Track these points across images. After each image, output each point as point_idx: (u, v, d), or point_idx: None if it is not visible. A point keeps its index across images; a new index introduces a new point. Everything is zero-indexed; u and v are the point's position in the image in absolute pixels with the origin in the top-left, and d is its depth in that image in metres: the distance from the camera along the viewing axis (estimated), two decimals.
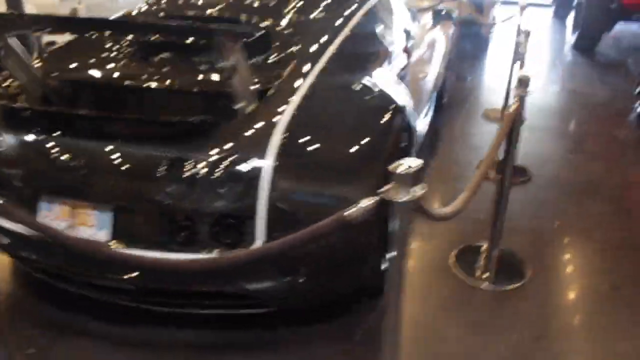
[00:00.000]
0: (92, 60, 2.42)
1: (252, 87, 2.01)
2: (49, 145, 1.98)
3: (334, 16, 2.73)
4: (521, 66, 3.87)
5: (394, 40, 3.01)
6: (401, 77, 2.85)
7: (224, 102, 1.98)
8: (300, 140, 1.92)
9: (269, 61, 2.31)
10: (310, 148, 1.92)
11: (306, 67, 2.26)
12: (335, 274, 2.07)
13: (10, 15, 2.08)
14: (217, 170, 1.84)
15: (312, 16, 2.69)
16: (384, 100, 2.32)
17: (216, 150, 1.86)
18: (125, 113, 2.07)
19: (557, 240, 2.95)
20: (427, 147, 3.90)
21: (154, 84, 2.18)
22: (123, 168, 1.90)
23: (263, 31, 1.85)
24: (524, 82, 2.35)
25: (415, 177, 1.41)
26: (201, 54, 2.21)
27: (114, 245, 1.90)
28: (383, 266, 2.38)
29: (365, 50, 2.67)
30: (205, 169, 1.84)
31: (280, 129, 1.91)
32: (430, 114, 3.99)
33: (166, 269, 1.81)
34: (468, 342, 2.20)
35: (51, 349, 2.16)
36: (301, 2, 2.81)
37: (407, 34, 3.44)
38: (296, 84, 2.13)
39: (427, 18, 4.10)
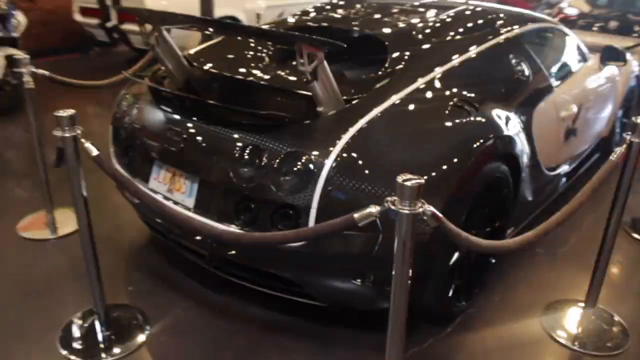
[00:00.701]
0: (223, 59, 2.81)
1: (335, 94, 2.15)
2: (170, 121, 2.36)
3: (460, 39, 2.74)
4: None
5: (527, 73, 2.88)
6: (524, 112, 2.71)
7: (307, 104, 2.16)
8: (360, 151, 2.00)
9: (379, 73, 2.43)
10: (366, 158, 1.99)
11: (401, 84, 2.33)
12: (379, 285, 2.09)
13: (164, 13, 2.50)
14: (285, 162, 2.02)
15: (435, 38, 2.73)
16: (473, 129, 2.26)
17: (288, 144, 2.05)
18: (234, 103, 2.36)
19: None
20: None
21: (261, 82, 2.46)
22: (213, 147, 2.19)
23: (344, 44, 1.96)
24: None
25: (418, 192, 1.42)
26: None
27: (192, 213, 2.20)
28: (449, 292, 2.34)
29: (480, 77, 2.62)
30: (276, 159, 2.03)
31: (347, 137, 2.02)
32: (576, 165, 3.67)
33: (225, 240, 2.05)
34: None
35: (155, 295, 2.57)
36: (439, 23, 2.87)
37: (558, 70, 3.27)
38: (382, 99, 2.22)
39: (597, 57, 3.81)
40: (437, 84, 2.41)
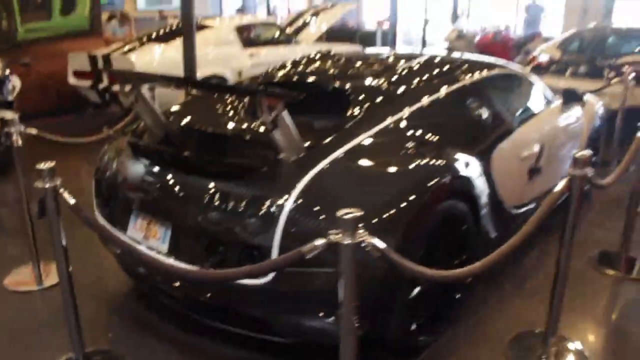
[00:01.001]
0: (202, 113, 3.02)
1: (296, 141, 2.33)
2: (146, 173, 2.54)
3: (420, 88, 2.95)
4: None
5: (485, 116, 3.07)
6: (482, 152, 2.88)
7: (269, 151, 2.33)
8: (317, 193, 2.16)
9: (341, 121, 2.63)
10: (323, 199, 2.15)
11: (359, 130, 2.51)
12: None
13: (141, 73, 2.72)
14: (248, 206, 2.18)
15: (394, 87, 2.94)
16: (428, 169, 2.43)
17: (251, 189, 2.21)
18: (206, 154, 2.54)
19: None
20: None
21: (230, 133, 2.65)
22: (184, 195, 2.36)
23: (304, 95, 2.15)
24: None
25: (356, 224, 1.57)
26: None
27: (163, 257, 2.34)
28: (412, 327, 2.44)
29: (437, 121, 2.81)
30: (241, 204, 2.19)
31: (305, 180, 2.18)
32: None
33: (189, 279, 2.18)
34: None
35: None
36: (400, 74, 3.10)
37: (519, 112, 3.48)
38: (340, 144, 2.39)
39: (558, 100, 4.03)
40: (394, 129, 2.59)
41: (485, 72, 3.34)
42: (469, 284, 2.90)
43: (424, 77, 3.11)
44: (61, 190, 2.19)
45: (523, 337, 2.67)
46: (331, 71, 3.31)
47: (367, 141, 2.47)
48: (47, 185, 2.16)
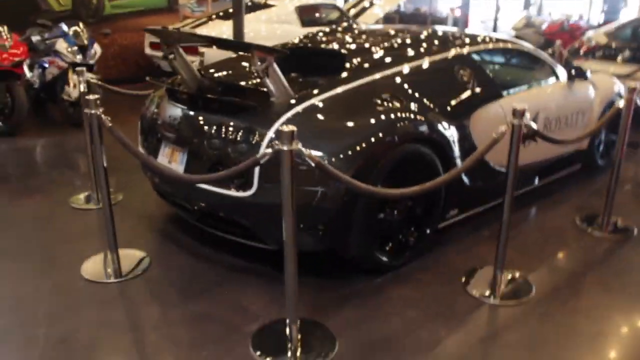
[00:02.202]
0: (221, 70, 3.64)
1: (285, 88, 2.86)
2: (173, 112, 3.17)
3: (408, 54, 3.39)
4: None
5: (469, 80, 3.45)
6: (460, 111, 3.28)
7: (264, 95, 2.88)
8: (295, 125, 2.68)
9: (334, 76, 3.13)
10: (299, 129, 2.66)
11: (337, 85, 3.00)
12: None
13: (177, 33, 3.33)
14: (241, 134, 2.75)
15: (388, 52, 3.39)
16: (395, 114, 2.88)
17: (245, 122, 2.77)
18: (216, 98, 3.13)
19: None
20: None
21: (238, 82, 3.24)
22: (197, 128, 2.96)
23: (287, 52, 2.67)
24: None
25: (292, 135, 2.09)
26: None
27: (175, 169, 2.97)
28: (374, 248, 2.91)
29: (419, 81, 3.23)
30: (236, 133, 2.76)
31: (286, 116, 2.72)
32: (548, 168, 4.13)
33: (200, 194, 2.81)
34: None
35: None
36: (397, 42, 3.56)
37: (512, 81, 3.81)
38: (319, 93, 2.90)
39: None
40: (370, 86, 3.05)
41: (476, 46, 3.70)
42: (439, 223, 3.33)
43: (413, 47, 3.53)
44: (103, 116, 2.86)
45: (477, 270, 3.07)
46: (339, 41, 3.80)
47: (343, 93, 2.95)
48: (92, 112, 2.83)
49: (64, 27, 5.91)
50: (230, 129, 2.81)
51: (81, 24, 6.10)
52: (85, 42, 5.95)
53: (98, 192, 3.98)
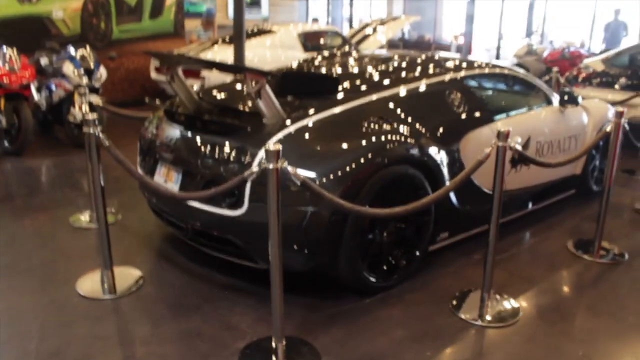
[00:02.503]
0: (219, 92, 3.74)
1: (277, 110, 2.95)
2: (169, 133, 3.26)
3: (400, 78, 3.49)
4: None
5: (460, 104, 3.54)
6: (451, 134, 3.35)
7: (257, 117, 2.97)
8: (285, 146, 2.76)
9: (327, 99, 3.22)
10: (288, 150, 2.74)
11: (329, 107, 3.09)
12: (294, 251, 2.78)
13: (177, 56, 3.45)
14: (233, 154, 2.83)
15: (381, 76, 3.49)
16: (384, 137, 2.96)
17: (237, 142, 2.86)
18: (211, 120, 3.22)
19: None
20: None
21: (233, 105, 3.35)
22: (192, 148, 3.05)
23: (282, 74, 2.77)
24: None
25: (277, 154, 2.17)
26: None
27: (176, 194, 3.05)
28: (363, 269, 2.96)
29: (410, 105, 3.32)
30: (229, 153, 2.85)
31: (277, 137, 2.80)
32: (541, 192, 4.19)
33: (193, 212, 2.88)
34: None
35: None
36: (393, 66, 3.67)
37: (504, 106, 3.90)
38: (311, 115, 2.99)
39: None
40: (361, 109, 3.14)
41: (468, 71, 3.80)
42: (430, 246, 3.37)
43: (405, 71, 3.63)
44: (100, 135, 2.95)
45: (466, 293, 3.10)
46: (334, 65, 3.92)
47: (334, 115, 3.03)
48: (90, 131, 2.93)
49: (72, 50, 6.08)
50: (224, 149, 2.90)
51: (88, 48, 6.27)
52: (92, 65, 6.11)
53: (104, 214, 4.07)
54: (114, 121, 6.17)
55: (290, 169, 2.25)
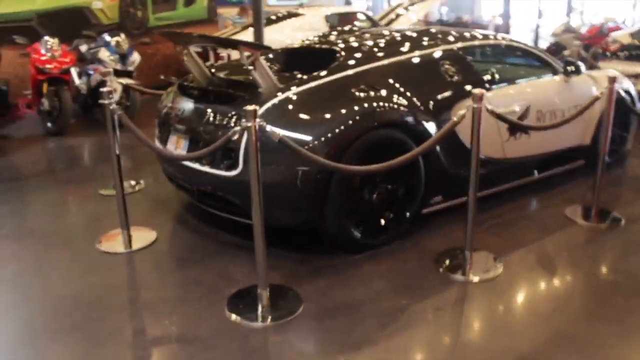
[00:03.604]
0: (226, 69, 4.00)
1: (271, 80, 3.18)
2: (179, 105, 3.56)
3: (391, 50, 3.65)
4: None
5: (454, 73, 3.66)
6: (442, 102, 3.50)
7: (254, 87, 3.22)
8: (277, 112, 3.00)
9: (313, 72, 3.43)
10: (279, 116, 2.98)
11: (318, 78, 3.28)
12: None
13: (186, 34, 3.73)
14: (231, 120, 3.09)
15: (375, 49, 3.66)
16: (369, 102, 3.15)
17: (235, 109, 3.12)
18: (215, 92, 3.49)
19: None
20: None
21: (237, 78, 3.60)
22: (196, 117, 3.33)
23: (272, 49, 3.00)
24: None
25: (254, 113, 2.41)
26: None
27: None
28: (351, 226, 3.17)
29: (401, 74, 3.47)
30: (228, 119, 3.11)
31: (270, 104, 3.04)
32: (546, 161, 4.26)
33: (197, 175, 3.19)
34: None
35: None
36: (386, 40, 3.82)
37: (500, 75, 3.99)
38: (301, 84, 3.20)
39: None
40: (348, 79, 3.31)
41: (464, 42, 3.91)
42: (423, 209, 3.54)
43: (401, 44, 3.77)
44: (114, 106, 3.28)
45: (452, 251, 3.26)
46: (334, 40, 4.10)
47: (324, 84, 3.24)
48: (105, 102, 3.26)
49: (107, 37, 6.51)
50: (223, 116, 3.17)
51: (122, 35, 6.69)
52: (125, 50, 6.52)
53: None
54: (149, 103, 6.58)
55: (268, 127, 2.48)
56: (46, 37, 6.28)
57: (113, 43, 6.50)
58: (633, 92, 4.87)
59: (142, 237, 3.53)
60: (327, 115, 3.04)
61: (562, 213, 3.86)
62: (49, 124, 6.28)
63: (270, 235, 2.69)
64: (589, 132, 4.57)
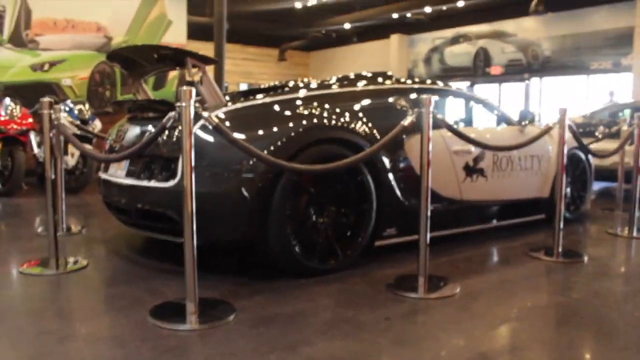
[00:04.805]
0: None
1: (218, 96, 3.12)
2: (124, 130, 3.45)
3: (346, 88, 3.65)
4: None
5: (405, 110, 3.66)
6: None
7: (200, 101, 3.13)
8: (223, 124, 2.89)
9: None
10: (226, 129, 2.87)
11: (263, 98, 3.23)
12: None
13: (136, 46, 3.59)
14: (172, 133, 2.97)
15: (322, 85, 3.67)
16: (311, 119, 3.08)
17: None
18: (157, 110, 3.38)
19: None
20: None
21: None
22: (137, 137, 3.21)
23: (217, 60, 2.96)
24: None
25: (190, 95, 2.30)
26: None
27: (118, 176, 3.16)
28: (295, 245, 2.94)
29: (349, 104, 3.43)
30: (167, 134, 2.99)
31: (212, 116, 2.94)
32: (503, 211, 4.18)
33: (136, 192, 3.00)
34: None
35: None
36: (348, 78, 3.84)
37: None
38: (245, 101, 3.14)
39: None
40: (294, 101, 3.22)
41: (418, 85, 3.96)
42: (376, 240, 3.35)
43: (356, 83, 3.77)
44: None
45: (404, 277, 3.03)
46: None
47: (268, 102, 3.16)
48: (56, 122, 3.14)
49: (70, 104, 6.51)
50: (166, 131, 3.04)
51: (87, 104, 6.72)
52: (87, 117, 6.50)
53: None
54: None
55: (205, 113, 2.36)
56: (7, 99, 6.25)
57: (76, 110, 6.49)
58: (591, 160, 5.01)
59: (71, 262, 3.24)
60: (274, 128, 2.95)
61: (525, 251, 3.70)
62: None
63: (210, 261, 2.46)
64: (547, 185, 4.55)
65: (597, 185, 7.56)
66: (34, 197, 6.08)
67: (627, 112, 7.57)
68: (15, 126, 6.05)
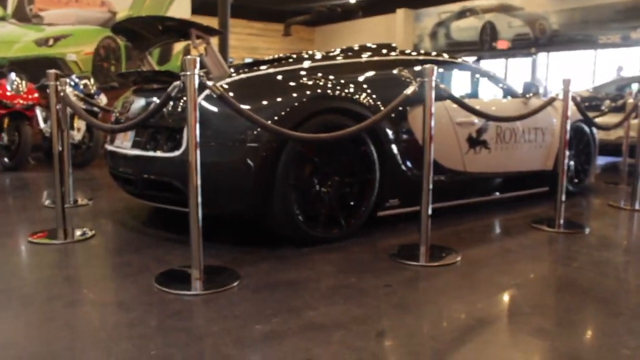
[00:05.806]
0: None
1: (222, 66, 3.13)
2: (129, 102, 3.47)
3: (347, 60, 3.65)
4: None
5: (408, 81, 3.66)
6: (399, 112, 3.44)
7: (206, 72, 3.14)
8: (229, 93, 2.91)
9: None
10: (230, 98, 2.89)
11: (270, 68, 3.25)
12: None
13: (140, 17, 3.65)
14: (177, 103, 2.98)
15: (327, 56, 3.66)
16: (316, 88, 3.09)
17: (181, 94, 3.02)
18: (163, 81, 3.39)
19: None
20: None
21: None
22: (142, 108, 3.23)
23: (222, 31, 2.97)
24: None
25: (194, 64, 2.31)
26: None
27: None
28: (298, 214, 2.98)
29: (353, 73, 3.44)
30: (173, 104, 3.00)
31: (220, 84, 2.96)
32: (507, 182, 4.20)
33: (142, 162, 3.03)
34: None
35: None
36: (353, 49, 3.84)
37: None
38: (250, 71, 3.15)
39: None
40: (309, 69, 3.28)
41: (423, 57, 3.95)
42: (379, 211, 3.38)
43: (361, 55, 3.77)
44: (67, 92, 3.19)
45: (407, 246, 3.06)
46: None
47: (272, 72, 3.18)
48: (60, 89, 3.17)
49: (75, 79, 6.52)
50: (171, 102, 3.06)
51: (92, 79, 6.72)
52: (92, 92, 6.51)
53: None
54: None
55: (210, 83, 2.37)
56: (12, 74, 6.26)
57: (81, 85, 6.50)
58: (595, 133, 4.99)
59: (80, 232, 3.29)
60: (278, 98, 2.96)
61: (527, 223, 3.73)
62: (5, 159, 6.09)
63: (216, 231, 2.49)
64: (551, 157, 4.55)
65: (603, 160, 7.56)
66: (40, 172, 6.14)
67: (635, 85, 7.51)
68: (21, 101, 6.09)
